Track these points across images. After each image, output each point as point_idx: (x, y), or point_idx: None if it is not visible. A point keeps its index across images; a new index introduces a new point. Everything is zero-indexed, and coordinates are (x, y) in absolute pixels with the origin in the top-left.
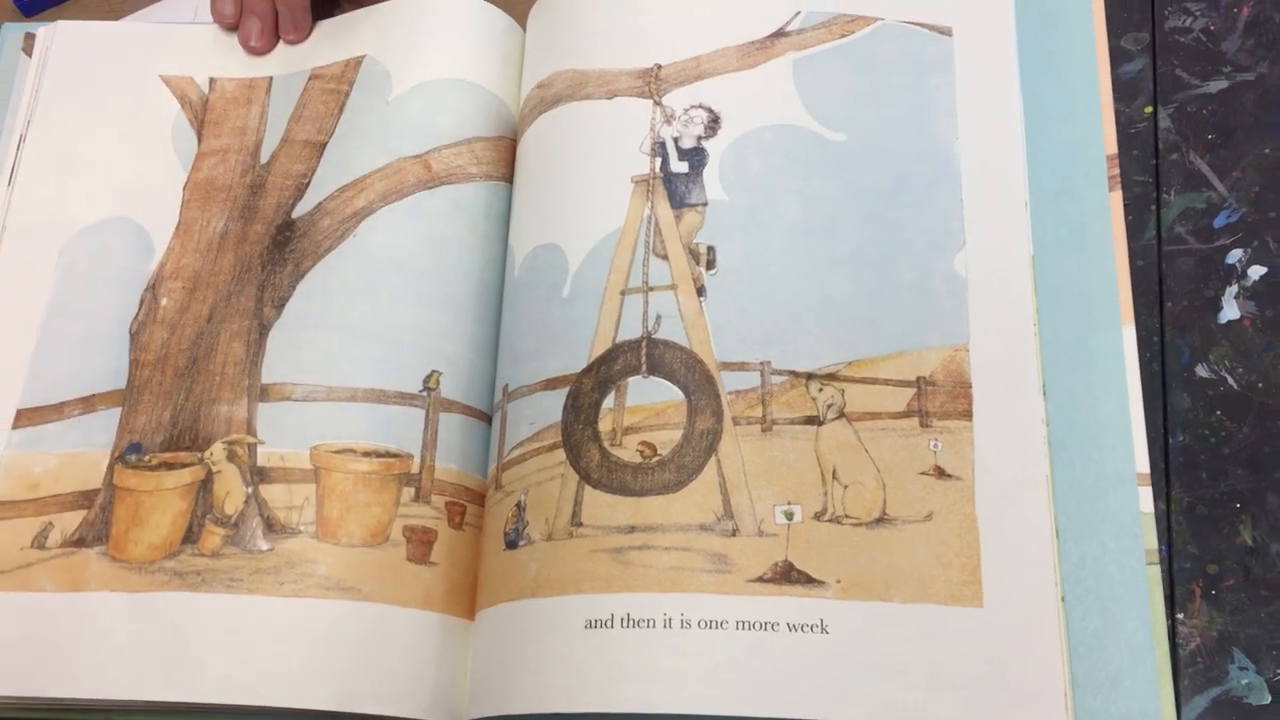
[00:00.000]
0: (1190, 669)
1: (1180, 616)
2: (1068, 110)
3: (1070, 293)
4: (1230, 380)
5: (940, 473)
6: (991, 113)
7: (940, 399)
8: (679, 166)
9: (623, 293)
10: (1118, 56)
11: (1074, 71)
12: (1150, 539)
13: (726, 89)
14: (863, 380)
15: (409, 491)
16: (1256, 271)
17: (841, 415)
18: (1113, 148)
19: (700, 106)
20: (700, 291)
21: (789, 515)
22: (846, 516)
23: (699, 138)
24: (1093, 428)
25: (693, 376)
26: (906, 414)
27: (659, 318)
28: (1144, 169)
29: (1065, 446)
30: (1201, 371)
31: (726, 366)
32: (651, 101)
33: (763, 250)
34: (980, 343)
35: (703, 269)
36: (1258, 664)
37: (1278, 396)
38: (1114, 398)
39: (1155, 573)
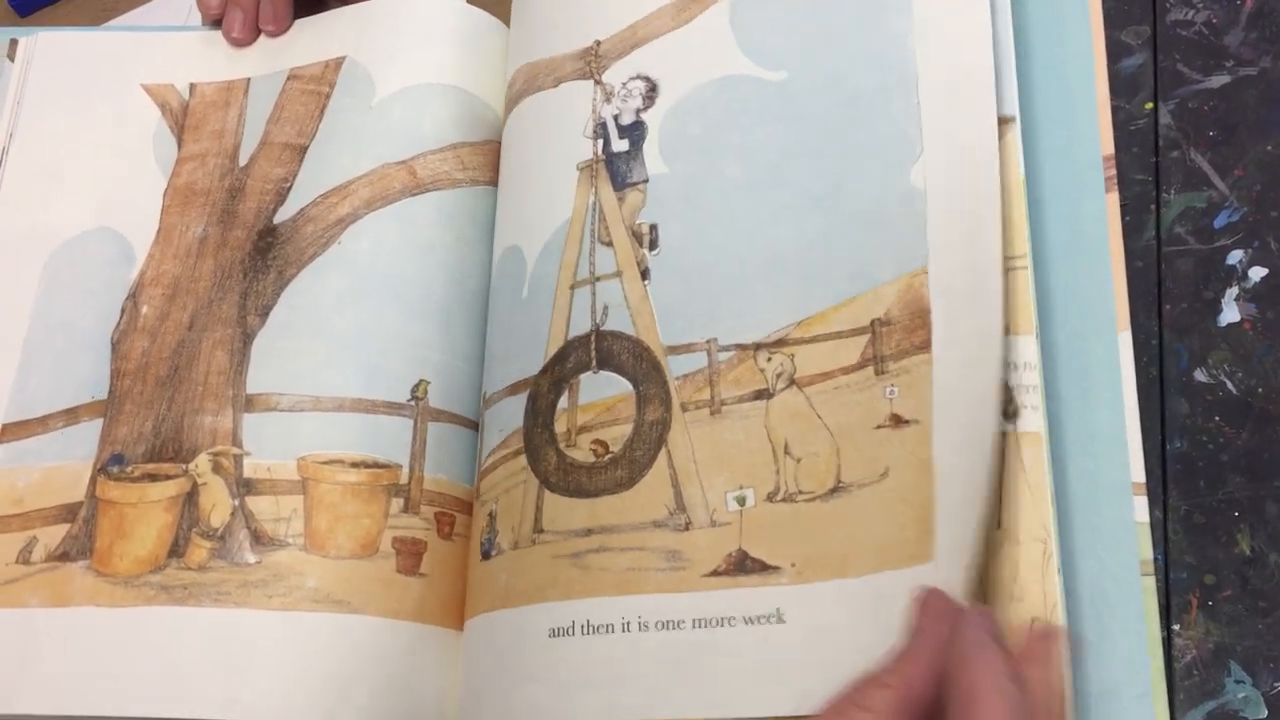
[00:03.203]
0: (1186, 682)
1: (1176, 628)
2: (1063, 109)
3: (1064, 298)
4: (1230, 385)
5: (897, 421)
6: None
7: (896, 337)
8: (620, 145)
9: (572, 287)
10: (1117, 50)
11: (1070, 68)
12: (1145, 549)
13: (663, 52)
14: (813, 339)
15: (398, 502)
16: (1257, 273)
17: (792, 383)
18: (1110, 148)
19: (638, 77)
20: (644, 274)
21: (741, 500)
22: (800, 493)
23: (638, 110)
24: (1086, 436)
25: (640, 366)
26: (860, 364)
27: (605, 308)
28: (1144, 167)
29: (1058, 456)
30: (1200, 376)
31: (673, 350)
32: (593, 81)
33: (704, 219)
34: (941, 260)
35: (645, 250)
36: (1254, 677)
37: (1278, 402)
38: (1109, 405)
39: (1150, 583)
